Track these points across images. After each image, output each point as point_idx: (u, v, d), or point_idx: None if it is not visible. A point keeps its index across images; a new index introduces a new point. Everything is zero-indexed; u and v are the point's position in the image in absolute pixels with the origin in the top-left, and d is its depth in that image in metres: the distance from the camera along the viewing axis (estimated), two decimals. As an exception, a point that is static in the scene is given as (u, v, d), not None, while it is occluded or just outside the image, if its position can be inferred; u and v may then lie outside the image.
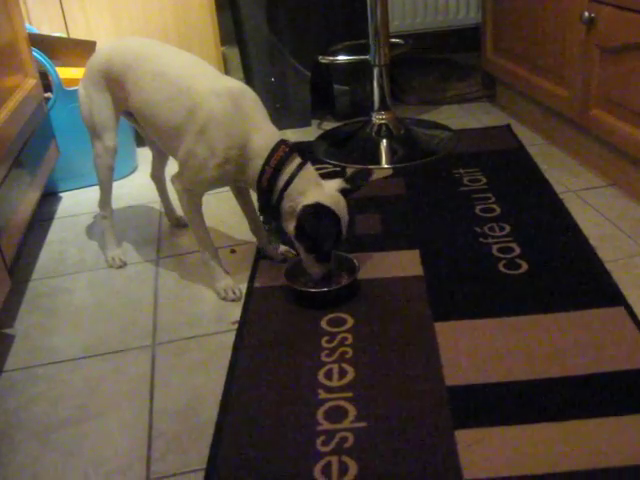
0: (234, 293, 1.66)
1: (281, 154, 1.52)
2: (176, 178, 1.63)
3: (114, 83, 1.72)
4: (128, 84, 1.67)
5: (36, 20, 2.50)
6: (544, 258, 1.67)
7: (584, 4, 1.98)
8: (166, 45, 1.74)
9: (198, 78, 1.59)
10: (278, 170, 1.51)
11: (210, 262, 1.68)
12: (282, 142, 1.54)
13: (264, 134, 1.54)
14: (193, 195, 1.62)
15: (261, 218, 1.81)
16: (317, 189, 1.53)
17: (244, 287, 1.68)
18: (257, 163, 1.53)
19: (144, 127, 1.75)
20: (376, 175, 2.22)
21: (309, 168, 1.55)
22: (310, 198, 1.50)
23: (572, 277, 1.58)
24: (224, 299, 1.66)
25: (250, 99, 1.56)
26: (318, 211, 1.49)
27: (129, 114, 1.80)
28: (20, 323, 1.67)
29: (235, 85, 1.57)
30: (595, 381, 1.26)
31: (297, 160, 1.54)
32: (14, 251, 1.64)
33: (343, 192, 1.57)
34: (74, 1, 2.50)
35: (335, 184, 1.57)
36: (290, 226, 1.54)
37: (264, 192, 1.54)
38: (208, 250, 1.68)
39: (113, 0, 2.54)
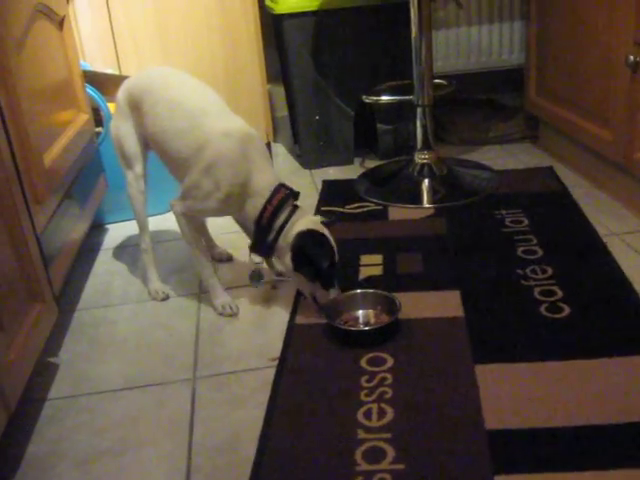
0: (231, 309, 1.76)
1: (282, 195, 1.64)
2: (176, 202, 1.73)
3: (135, 109, 1.80)
4: (144, 107, 1.75)
5: (90, 57, 2.59)
6: (587, 302, 1.65)
7: (629, 48, 1.98)
8: (186, 75, 1.82)
9: (211, 116, 1.69)
10: (277, 210, 1.63)
11: (209, 280, 1.78)
12: (282, 185, 1.67)
13: (265, 176, 1.66)
14: (191, 219, 1.73)
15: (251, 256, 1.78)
16: (306, 220, 1.65)
17: (285, 323, 1.70)
18: (257, 201, 1.64)
19: (155, 151, 1.82)
20: (417, 215, 2.24)
21: (302, 210, 1.68)
22: (301, 226, 1.62)
23: (615, 322, 1.56)
24: (221, 314, 1.76)
25: (256, 143, 1.68)
26: (312, 236, 1.61)
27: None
28: (65, 352, 1.71)
29: (244, 128, 1.68)
30: (639, 429, 1.23)
31: (292, 203, 1.66)
32: (62, 281, 1.67)
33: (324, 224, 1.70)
34: (127, 39, 2.58)
35: (318, 218, 1.71)
36: (286, 259, 1.64)
37: (263, 229, 1.65)
38: (206, 269, 1.77)
39: (164, 38, 2.62)
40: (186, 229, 1.74)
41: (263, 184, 1.64)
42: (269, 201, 1.63)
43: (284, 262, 1.66)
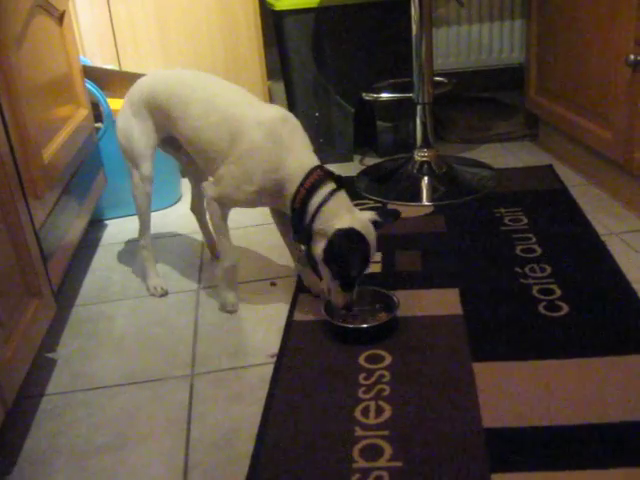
0: (233, 308, 1.76)
1: (316, 177, 1.56)
2: (209, 187, 1.67)
3: (157, 111, 1.78)
4: (174, 111, 1.73)
5: (90, 52, 2.59)
6: (585, 301, 1.65)
7: (630, 47, 1.98)
8: (208, 74, 1.80)
9: (243, 106, 1.65)
10: (311, 192, 1.55)
11: (226, 270, 1.74)
12: (318, 167, 1.59)
13: (300, 159, 1.59)
14: (222, 205, 1.68)
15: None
16: (349, 215, 1.56)
17: (283, 320, 1.70)
18: (292, 186, 1.57)
19: (188, 149, 1.79)
20: (416, 212, 2.23)
21: (342, 194, 1.58)
22: (344, 222, 1.53)
23: (613, 321, 1.56)
24: (221, 310, 1.76)
25: (291, 127, 1.62)
26: (351, 235, 1.52)
27: (165, 143, 1.87)
28: (63, 348, 1.71)
29: (277, 114, 1.62)
30: (637, 428, 1.23)
31: (331, 185, 1.57)
32: (60, 276, 1.67)
33: (374, 224, 1.59)
34: (127, 35, 2.59)
35: (368, 215, 1.61)
36: (318, 248, 1.56)
37: (297, 212, 1.58)
38: (229, 259, 1.73)
39: (164, 34, 2.62)
40: (216, 215, 1.69)
41: (296, 168, 1.57)
42: (302, 184, 1.56)
43: (316, 249, 1.58)
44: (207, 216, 1.71)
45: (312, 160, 1.61)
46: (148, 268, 1.94)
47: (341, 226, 1.52)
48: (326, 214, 1.54)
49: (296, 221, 1.60)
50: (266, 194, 1.61)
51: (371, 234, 1.57)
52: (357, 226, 1.53)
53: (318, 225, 1.55)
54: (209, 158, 1.69)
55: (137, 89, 1.84)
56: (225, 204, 1.68)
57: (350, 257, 1.53)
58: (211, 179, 1.68)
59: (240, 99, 1.69)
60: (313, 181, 1.55)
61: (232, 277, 1.76)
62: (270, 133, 1.58)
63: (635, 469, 1.15)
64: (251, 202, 1.66)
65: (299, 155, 1.59)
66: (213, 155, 1.66)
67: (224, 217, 1.70)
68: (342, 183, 1.60)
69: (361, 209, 1.62)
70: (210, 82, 1.76)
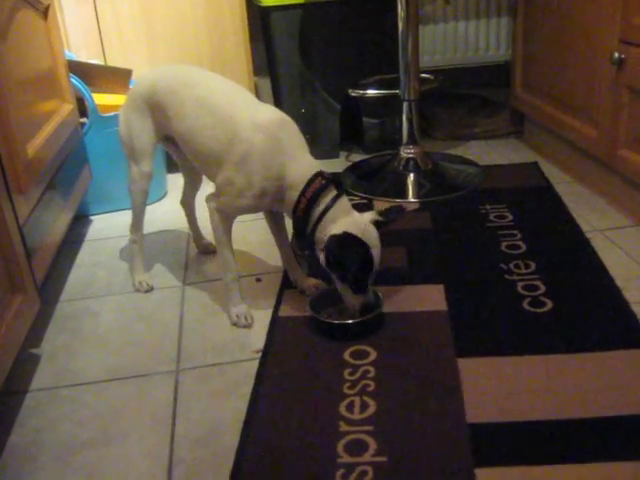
0: (246, 320, 1.68)
1: (317, 185, 1.54)
2: (211, 198, 1.65)
3: (156, 108, 1.75)
4: (170, 109, 1.70)
5: (75, 46, 2.57)
6: (569, 297, 1.66)
7: (614, 45, 2.00)
8: (208, 72, 1.76)
9: (239, 107, 1.61)
10: (313, 201, 1.53)
11: (230, 285, 1.70)
12: (319, 174, 1.56)
13: (301, 165, 1.56)
14: (225, 216, 1.64)
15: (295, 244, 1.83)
16: (347, 219, 1.54)
17: (269, 316, 1.70)
18: (293, 193, 1.55)
19: (184, 151, 1.76)
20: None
21: (343, 200, 1.57)
22: (338, 228, 1.52)
23: (597, 317, 1.57)
24: (235, 324, 1.69)
25: (289, 130, 1.59)
26: (343, 240, 1.51)
27: (166, 140, 1.84)
28: (47, 344, 1.70)
29: (275, 116, 1.59)
30: (619, 423, 1.24)
31: (332, 192, 1.55)
32: (44, 272, 1.66)
33: (376, 224, 1.59)
34: (113, 30, 2.57)
35: (368, 216, 1.60)
36: (321, 256, 1.56)
37: (299, 222, 1.57)
38: (230, 273, 1.69)
39: (150, 29, 2.61)
40: (217, 226, 1.65)
41: (298, 174, 1.54)
42: (303, 192, 1.53)
43: (320, 258, 1.57)
44: (210, 227, 1.67)
45: (312, 165, 1.58)
46: (136, 263, 1.93)
47: (335, 232, 1.51)
48: (327, 223, 1.54)
49: (298, 230, 1.59)
50: (267, 196, 1.58)
51: (371, 235, 1.55)
52: (352, 229, 1.52)
53: (320, 234, 1.55)
54: (206, 161, 1.66)
55: (140, 84, 1.81)
56: (228, 213, 1.64)
57: (346, 261, 1.52)
58: (212, 191, 1.65)
59: (236, 99, 1.65)
60: (314, 190, 1.53)
61: (237, 291, 1.71)
62: (268, 136, 1.54)
63: (617, 463, 1.16)
64: (254, 207, 1.62)
65: (299, 161, 1.57)
66: (210, 158, 1.63)
67: (227, 230, 1.66)
68: (342, 187, 1.59)
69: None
70: (208, 80, 1.71)
